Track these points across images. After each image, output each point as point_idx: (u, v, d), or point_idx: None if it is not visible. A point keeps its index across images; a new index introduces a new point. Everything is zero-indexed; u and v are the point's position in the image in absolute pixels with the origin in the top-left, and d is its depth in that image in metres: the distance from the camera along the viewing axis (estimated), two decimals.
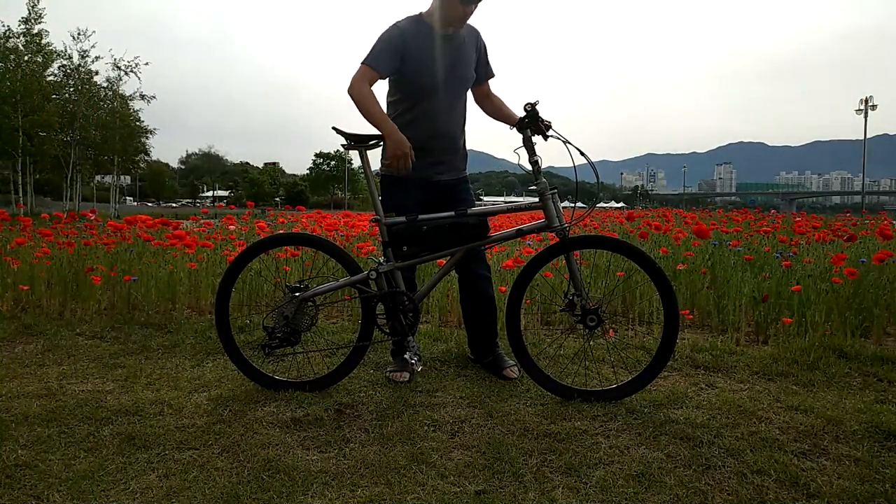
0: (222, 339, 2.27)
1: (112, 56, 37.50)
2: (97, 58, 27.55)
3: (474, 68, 2.48)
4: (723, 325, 3.28)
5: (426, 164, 2.40)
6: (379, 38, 2.30)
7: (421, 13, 2.38)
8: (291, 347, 2.23)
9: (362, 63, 2.27)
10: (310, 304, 2.24)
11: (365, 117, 2.29)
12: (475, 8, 2.29)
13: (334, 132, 2.27)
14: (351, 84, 2.27)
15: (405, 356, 2.26)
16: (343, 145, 2.29)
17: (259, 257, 2.46)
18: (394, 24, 2.34)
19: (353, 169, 69.47)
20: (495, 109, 2.58)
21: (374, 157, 2.53)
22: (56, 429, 1.84)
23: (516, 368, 2.39)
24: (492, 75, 2.58)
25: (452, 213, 2.22)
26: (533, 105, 2.13)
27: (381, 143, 2.29)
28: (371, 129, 2.27)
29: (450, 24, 2.33)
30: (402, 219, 2.24)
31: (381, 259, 2.28)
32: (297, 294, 2.22)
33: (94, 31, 27.53)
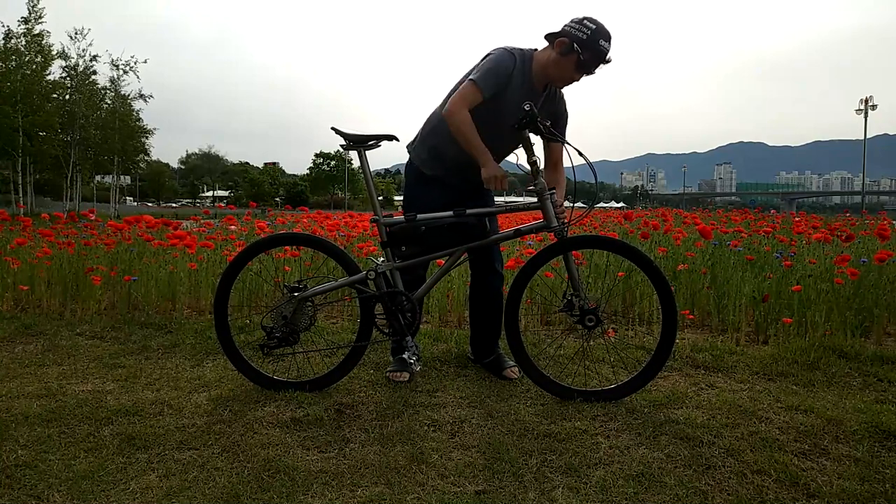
0: (221, 339, 2.27)
1: (110, 55, 37.51)
2: (95, 57, 27.54)
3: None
4: (723, 325, 3.28)
5: (442, 174, 2.42)
6: (492, 60, 2.18)
7: (532, 53, 2.25)
8: (290, 347, 2.23)
9: (471, 80, 2.14)
10: (308, 303, 2.24)
11: (461, 143, 2.20)
12: (581, 77, 2.20)
13: (333, 132, 2.27)
14: (454, 103, 2.15)
15: (404, 356, 2.26)
16: (342, 146, 2.29)
17: (258, 257, 2.46)
18: (510, 52, 2.19)
19: (352, 169, 69.48)
20: (548, 178, 2.29)
21: (373, 157, 2.52)
22: (56, 429, 1.84)
23: (517, 369, 2.39)
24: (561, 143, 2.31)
25: (451, 213, 2.22)
26: (532, 105, 2.12)
27: (380, 144, 2.29)
28: (371, 130, 2.27)
29: (550, 82, 2.26)
30: (401, 218, 2.24)
31: (380, 259, 2.28)
32: (295, 294, 2.22)
33: (89, 29, 27.53)
